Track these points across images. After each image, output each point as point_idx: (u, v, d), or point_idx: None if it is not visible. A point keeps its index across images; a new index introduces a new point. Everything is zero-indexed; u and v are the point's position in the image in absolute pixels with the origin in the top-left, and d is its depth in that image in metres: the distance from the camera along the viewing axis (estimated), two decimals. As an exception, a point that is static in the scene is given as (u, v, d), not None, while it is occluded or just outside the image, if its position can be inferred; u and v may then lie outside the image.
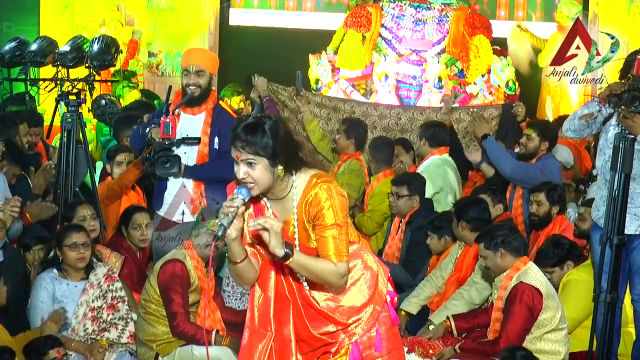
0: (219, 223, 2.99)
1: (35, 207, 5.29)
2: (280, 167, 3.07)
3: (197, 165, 5.33)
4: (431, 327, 5.06)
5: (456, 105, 7.72)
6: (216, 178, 5.11)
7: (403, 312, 5.52)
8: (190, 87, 5.29)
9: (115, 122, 7.01)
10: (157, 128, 5.18)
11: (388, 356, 3.25)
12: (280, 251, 2.98)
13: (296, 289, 3.21)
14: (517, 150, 6.45)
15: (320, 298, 3.21)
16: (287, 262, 3.03)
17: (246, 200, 3.05)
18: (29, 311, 4.78)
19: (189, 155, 5.32)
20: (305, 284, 3.21)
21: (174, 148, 5.21)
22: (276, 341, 3.21)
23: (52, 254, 4.93)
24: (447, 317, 4.95)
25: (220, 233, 2.97)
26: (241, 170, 3.05)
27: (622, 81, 4.56)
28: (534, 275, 4.60)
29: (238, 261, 3.11)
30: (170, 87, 5.49)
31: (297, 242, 3.16)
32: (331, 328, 3.20)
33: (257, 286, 3.26)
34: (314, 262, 3.10)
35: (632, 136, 4.40)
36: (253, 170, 3.05)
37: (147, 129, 5.25)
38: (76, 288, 4.78)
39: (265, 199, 3.19)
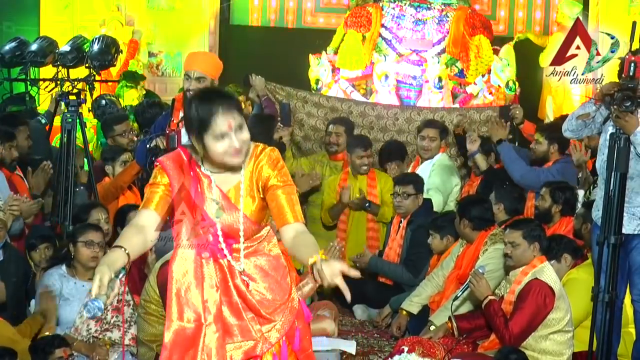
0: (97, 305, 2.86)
1: (23, 205, 5.18)
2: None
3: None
4: (432, 327, 5.06)
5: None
6: None
7: (404, 312, 5.52)
8: (191, 93, 5.28)
9: (104, 122, 7.00)
10: (163, 137, 5.20)
11: (305, 355, 3.19)
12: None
13: (230, 276, 3.08)
14: None
15: (250, 286, 3.10)
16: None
17: (99, 314, 2.87)
18: (33, 307, 4.76)
19: None
20: (238, 267, 3.08)
21: None
22: (214, 328, 3.07)
23: (60, 252, 4.93)
24: (449, 318, 4.95)
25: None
26: (238, 140, 2.97)
27: (614, 82, 4.58)
28: (549, 274, 4.62)
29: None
30: (174, 100, 5.49)
31: (241, 208, 3.05)
32: (254, 324, 3.09)
33: (175, 279, 3.10)
34: (299, 247, 2.97)
35: (626, 135, 4.42)
36: (242, 133, 2.99)
37: (154, 142, 5.25)
38: (83, 288, 4.77)
39: (209, 172, 3.07)
